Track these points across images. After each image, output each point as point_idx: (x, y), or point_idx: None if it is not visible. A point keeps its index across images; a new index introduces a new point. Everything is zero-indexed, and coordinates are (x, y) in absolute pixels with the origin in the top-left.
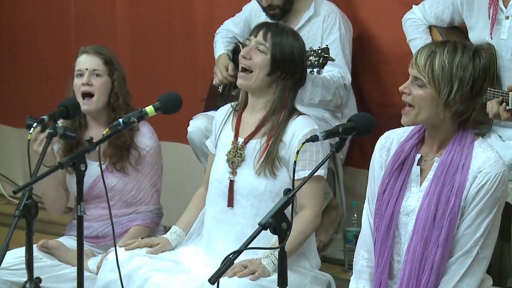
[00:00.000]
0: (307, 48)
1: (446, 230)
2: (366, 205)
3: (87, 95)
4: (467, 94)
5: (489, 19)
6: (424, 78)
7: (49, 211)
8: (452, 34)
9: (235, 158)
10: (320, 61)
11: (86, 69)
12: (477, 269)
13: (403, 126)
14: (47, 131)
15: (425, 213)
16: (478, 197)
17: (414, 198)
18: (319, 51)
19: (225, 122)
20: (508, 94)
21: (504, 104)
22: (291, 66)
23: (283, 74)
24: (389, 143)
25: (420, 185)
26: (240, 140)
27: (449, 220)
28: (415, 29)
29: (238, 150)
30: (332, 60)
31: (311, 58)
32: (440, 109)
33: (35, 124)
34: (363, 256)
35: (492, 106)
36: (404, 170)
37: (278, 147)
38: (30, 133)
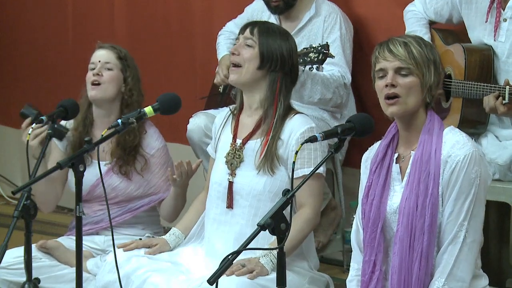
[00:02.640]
0: (307, 46)
1: (430, 217)
2: (355, 221)
3: (96, 84)
4: (441, 75)
5: (487, 21)
6: (411, 65)
7: (38, 205)
8: (449, 37)
9: (234, 160)
10: (320, 57)
11: (99, 61)
12: (469, 254)
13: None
14: (46, 131)
15: (407, 204)
16: (452, 182)
17: (397, 196)
18: (319, 48)
19: (224, 125)
20: (505, 88)
21: (500, 98)
22: (279, 58)
23: (272, 66)
24: (372, 154)
25: (402, 182)
26: (239, 141)
27: (431, 207)
28: (416, 21)
29: (236, 152)
30: (332, 56)
31: (310, 54)
32: (424, 94)
33: (29, 131)
34: (353, 267)
35: (489, 100)
36: (384, 169)
37: (277, 144)
38: (29, 134)
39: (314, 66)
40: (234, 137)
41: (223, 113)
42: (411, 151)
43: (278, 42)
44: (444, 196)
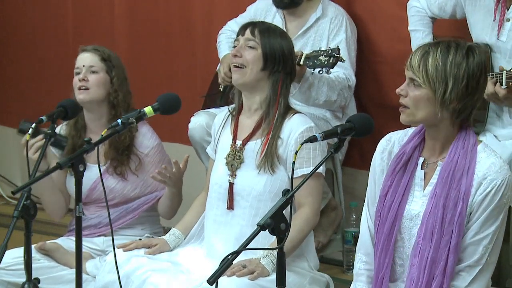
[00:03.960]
0: (316, 49)
1: (456, 235)
2: (365, 208)
3: (83, 89)
4: (463, 91)
5: (494, 20)
6: (419, 78)
7: (48, 213)
8: None
9: (234, 161)
10: (331, 61)
11: (83, 66)
12: (485, 275)
13: (403, 128)
14: (41, 138)
15: (432, 218)
16: (484, 204)
17: (417, 203)
18: (330, 51)
19: (223, 126)
20: (502, 74)
21: (498, 84)
22: (281, 58)
23: (275, 67)
24: (390, 146)
25: (424, 189)
26: (238, 142)
27: (458, 225)
28: (419, 20)
29: (236, 153)
30: (342, 60)
31: (320, 57)
32: (437, 109)
33: (30, 131)
34: (361, 259)
35: (487, 87)
36: (407, 173)
37: (277, 143)
38: (29, 134)
39: (324, 70)
40: (234, 138)
41: (221, 114)
42: (438, 160)
43: (279, 42)
44: (471, 217)
